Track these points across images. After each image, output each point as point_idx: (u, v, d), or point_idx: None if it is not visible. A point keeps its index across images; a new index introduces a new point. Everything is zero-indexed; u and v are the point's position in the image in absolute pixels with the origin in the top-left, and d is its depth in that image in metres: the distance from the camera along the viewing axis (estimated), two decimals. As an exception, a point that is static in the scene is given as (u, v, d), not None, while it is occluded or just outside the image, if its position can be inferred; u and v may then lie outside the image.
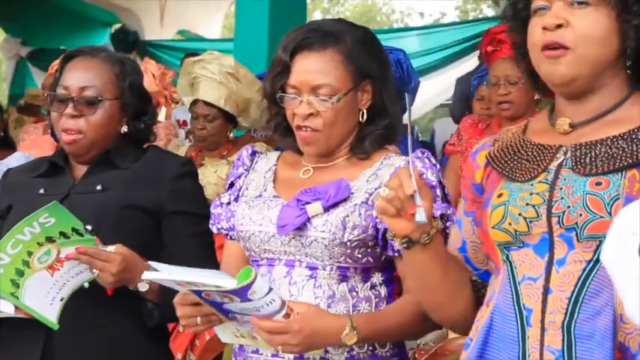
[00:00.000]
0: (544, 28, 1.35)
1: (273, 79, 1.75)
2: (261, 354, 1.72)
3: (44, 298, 1.83)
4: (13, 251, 1.78)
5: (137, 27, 9.01)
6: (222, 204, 1.85)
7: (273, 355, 1.70)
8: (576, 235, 1.29)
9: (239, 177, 1.86)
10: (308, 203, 1.68)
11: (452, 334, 2.26)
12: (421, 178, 1.35)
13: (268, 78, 1.77)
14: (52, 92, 2.02)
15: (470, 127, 3.69)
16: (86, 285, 1.86)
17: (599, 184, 1.30)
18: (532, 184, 1.35)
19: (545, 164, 1.36)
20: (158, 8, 9.05)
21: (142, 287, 1.86)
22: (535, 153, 1.39)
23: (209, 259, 1.95)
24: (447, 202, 1.67)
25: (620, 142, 1.33)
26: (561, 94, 1.41)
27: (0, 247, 1.78)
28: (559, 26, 1.33)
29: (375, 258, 1.70)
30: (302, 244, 1.68)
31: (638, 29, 1.34)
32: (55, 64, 2.24)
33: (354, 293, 1.69)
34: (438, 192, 1.68)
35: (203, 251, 1.98)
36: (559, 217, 1.30)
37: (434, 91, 7.19)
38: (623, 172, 1.30)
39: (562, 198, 1.31)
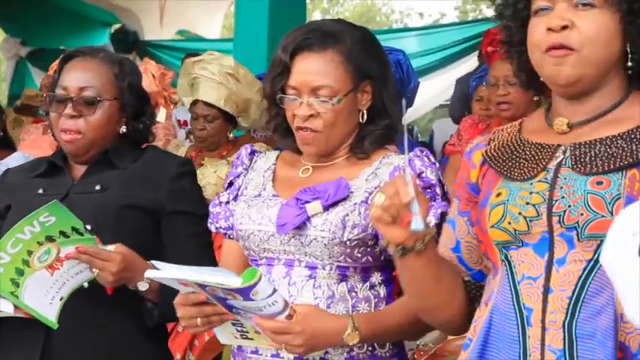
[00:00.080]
0: (549, 29, 1.34)
1: (273, 79, 1.75)
2: (261, 354, 1.72)
3: (44, 298, 1.83)
4: (13, 250, 1.78)
5: (137, 27, 9.00)
6: (220, 203, 1.85)
7: (272, 356, 1.70)
8: (577, 234, 1.29)
9: (238, 176, 1.86)
10: (307, 202, 1.68)
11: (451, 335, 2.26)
12: (418, 186, 1.33)
13: (268, 79, 1.77)
14: (51, 93, 2.02)
15: (470, 127, 3.69)
16: (85, 285, 1.86)
17: (600, 183, 1.30)
18: (531, 183, 1.35)
19: (544, 163, 1.36)
20: (158, 8, 9.05)
21: (142, 287, 1.86)
22: (533, 152, 1.39)
23: (208, 259, 1.95)
24: (446, 201, 1.67)
25: (619, 141, 1.33)
26: (562, 94, 1.41)
27: (0, 246, 1.78)
28: (564, 28, 1.33)
29: (375, 257, 1.70)
30: (301, 243, 1.68)
31: None
32: (55, 64, 2.24)
33: (354, 293, 1.69)
34: (438, 190, 1.68)
35: (202, 251, 1.98)
36: (560, 216, 1.30)
37: (433, 91, 7.18)
38: (624, 172, 1.30)
39: (563, 197, 1.31)
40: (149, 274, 1.55)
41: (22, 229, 1.77)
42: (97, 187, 1.96)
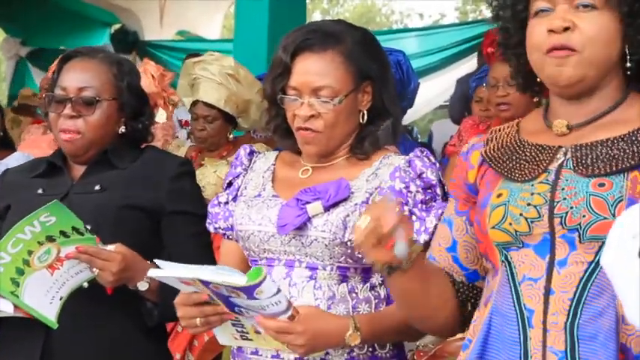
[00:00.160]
0: (550, 31, 1.34)
1: (274, 80, 1.75)
2: (261, 355, 1.72)
3: (44, 297, 1.84)
4: (13, 250, 1.78)
5: (137, 27, 9.00)
6: (220, 203, 1.85)
7: (272, 357, 1.70)
8: (579, 236, 1.29)
9: (237, 176, 1.86)
10: (308, 203, 1.68)
11: (459, 334, 2.25)
12: (401, 210, 1.33)
13: (268, 79, 1.77)
14: (50, 93, 2.02)
15: (471, 127, 3.69)
16: (85, 285, 1.86)
17: (602, 185, 1.30)
18: (532, 185, 1.35)
19: (545, 165, 1.36)
20: (158, 8, 9.05)
21: (142, 286, 1.86)
22: (534, 153, 1.39)
23: (208, 259, 1.96)
24: (447, 201, 1.67)
25: (620, 143, 1.33)
26: (562, 95, 1.40)
27: (0, 246, 1.79)
28: (566, 29, 1.33)
29: (375, 258, 1.70)
30: (302, 243, 1.68)
31: None
32: (54, 65, 2.24)
33: (354, 294, 1.69)
34: (438, 190, 1.68)
35: (202, 251, 1.98)
36: (561, 217, 1.30)
37: (433, 92, 7.18)
38: (625, 174, 1.30)
39: (564, 199, 1.31)
40: (152, 273, 1.54)
41: (23, 229, 1.77)
42: (97, 187, 1.97)
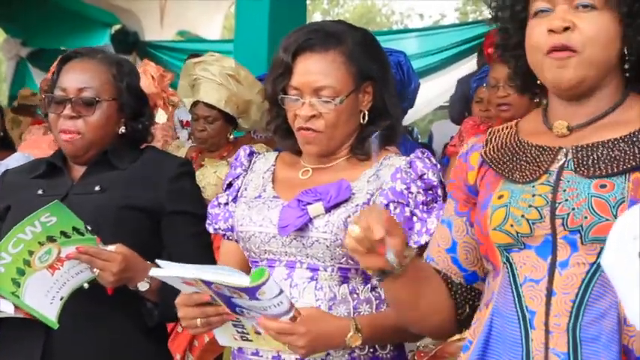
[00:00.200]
0: (550, 31, 1.34)
1: (275, 80, 1.75)
2: (261, 356, 1.72)
3: (44, 298, 1.84)
4: (14, 250, 1.78)
5: (137, 28, 9.01)
6: (219, 204, 1.85)
7: (273, 358, 1.70)
8: (581, 237, 1.29)
9: (237, 177, 1.86)
10: (309, 204, 1.68)
11: (457, 336, 2.25)
12: (391, 218, 1.33)
13: (269, 79, 1.77)
14: (50, 94, 2.02)
15: (472, 128, 3.69)
16: (86, 286, 1.86)
17: (603, 186, 1.29)
18: (534, 186, 1.35)
19: (546, 166, 1.36)
20: (158, 9, 9.05)
21: (142, 287, 1.86)
22: (534, 154, 1.39)
23: (208, 259, 1.96)
24: None
25: (621, 144, 1.33)
26: (563, 96, 1.40)
27: (1, 246, 1.79)
28: (566, 29, 1.33)
29: (376, 259, 1.69)
30: (303, 244, 1.68)
31: None
32: (54, 66, 2.25)
33: (355, 295, 1.69)
34: (439, 192, 1.68)
35: (202, 251, 1.98)
36: (563, 219, 1.30)
37: (433, 92, 7.18)
38: (627, 175, 1.30)
39: (566, 200, 1.31)
40: (153, 272, 1.54)
41: (24, 230, 1.77)
42: (97, 188, 1.96)
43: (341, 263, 1.68)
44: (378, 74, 1.76)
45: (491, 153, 1.44)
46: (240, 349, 1.76)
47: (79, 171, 2.03)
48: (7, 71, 9.97)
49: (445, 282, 1.49)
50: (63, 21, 8.87)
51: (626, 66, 1.37)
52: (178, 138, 4.73)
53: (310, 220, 1.67)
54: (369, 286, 1.70)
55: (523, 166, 1.38)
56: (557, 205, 1.31)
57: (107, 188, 1.97)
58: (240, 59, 4.09)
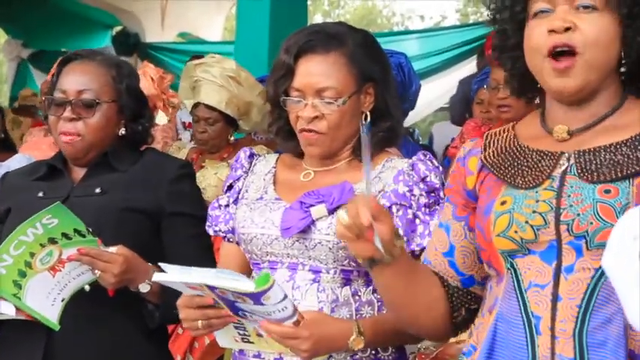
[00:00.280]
0: (551, 31, 1.33)
1: (276, 82, 1.75)
2: (263, 358, 1.72)
3: (45, 299, 1.84)
4: (15, 252, 1.78)
5: (138, 29, 9.01)
6: (220, 206, 1.85)
7: (275, 359, 1.70)
8: (586, 242, 1.28)
9: (238, 179, 1.86)
10: (312, 206, 1.68)
11: (453, 339, 2.26)
12: (379, 205, 1.34)
13: (271, 81, 1.77)
14: (50, 96, 2.03)
15: (473, 130, 3.69)
16: (87, 288, 1.86)
17: (608, 191, 1.29)
18: (537, 192, 1.34)
19: (548, 171, 1.35)
20: (159, 10, 9.06)
21: (143, 288, 1.86)
22: (536, 159, 1.38)
23: (208, 261, 1.95)
24: None
25: (623, 148, 1.32)
26: (563, 101, 1.40)
27: (3, 248, 1.79)
28: (567, 29, 1.33)
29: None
30: (306, 246, 1.68)
31: None
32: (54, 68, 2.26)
33: (357, 297, 1.69)
34: (442, 194, 1.68)
35: (202, 253, 1.98)
36: (568, 224, 1.29)
37: (434, 94, 7.18)
38: (630, 180, 1.29)
39: (571, 205, 1.30)
40: (157, 277, 1.54)
41: (25, 232, 1.77)
42: (97, 190, 1.97)
43: (343, 265, 1.68)
44: (380, 75, 1.76)
45: (492, 158, 1.43)
46: (241, 351, 1.76)
47: (79, 173, 2.03)
48: (8, 72, 9.98)
49: (442, 284, 1.49)
50: (64, 22, 8.87)
51: (623, 69, 1.37)
52: (180, 139, 4.73)
53: (313, 222, 1.67)
54: (370, 288, 1.70)
55: (525, 172, 1.37)
56: (561, 210, 1.30)
57: (108, 190, 1.97)
58: (241, 61, 4.09)
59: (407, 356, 1.80)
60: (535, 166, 1.37)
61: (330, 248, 1.66)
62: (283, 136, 1.82)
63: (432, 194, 1.68)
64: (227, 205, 1.84)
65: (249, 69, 3.79)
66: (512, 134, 1.45)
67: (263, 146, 3.61)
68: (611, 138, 1.35)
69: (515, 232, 1.33)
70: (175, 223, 1.98)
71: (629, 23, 1.34)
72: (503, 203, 1.36)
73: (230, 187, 1.87)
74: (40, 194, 2.00)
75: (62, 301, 1.85)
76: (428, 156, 1.73)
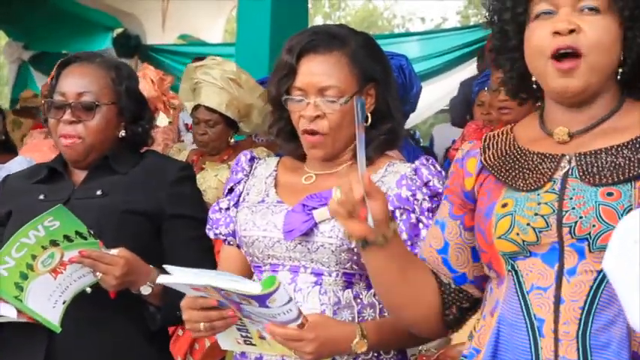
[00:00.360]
0: (556, 33, 1.33)
1: (278, 81, 1.75)
2: (265, 360, 1.71)
3: (47, 302, 1.84)
4: (17, 255, 1.79)
5: (139, 31, 9.01)
6: (220, 209, 1.85)
7: (277, 361, 1.70)
8: (588, 245, 1.28)
9: (238, 182, 1.86)
10: (314, 208, 1.68)
11: (454, 341, 2.25)
12: (372, 182, 1.34)
13: (273, 81, 1.77)
14: (49, 99, 2.03)
15: (474, 132, 3.69)
16: (88, 290, 1.86)
17: (610, 194, 1.29)
18: (538, 194, 1.34)
19: (550, 174, 1.35)
20: (160, 13, 9.06)
21: (145, 290, 1.86)
22: (537, 162, 1.38)
23: (209, 263, 1.96)
24: None
25: (624, 151, 1.33)
26: (564, 103, 1.40)
27: (5, 250, 1.79)
28: (571, 31, 1.33)
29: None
30: (308, 249, 1.68)
31: None
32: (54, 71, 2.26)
33: (359, 300, 1.69)
34: None
35: (203, 255, 1.98)
36: (570, 227, 1.29)
37: (435, 96, 7.18)
38: (632, 182, 1.29)
39: (573, 208, 1.30)
40: (162, 279, 1.53)
41: (27, 234, 1.77)
42: (98, 193, 1.97)
43: (346, 268, 1.68)
44: (381, 77, 1.76)
45: (492, 160, 1.43)
46: (242, 354, 1.76)
47: (79, 175, 2.04)
48: (9, 74, 9.98)
49: (435, 279, 1.49)
50: (65, 24, 8.87)
51: (621, 70, 1.37)
52: (183, 141, 4.73)
53: (316, 224, 1.67)
54: (372, 291, 1.70)
55: (526, 174, 1.37)
56: (563, 213, 1.30)
57: (108, 192, 1.97)
58: (241, 63, 4.09)
59: (408, 358, 1.80)
60: (536, 168, 1.37)
61: (332, 251, 1.66)
62: (284, 137, 1.82)
63: (435, 199, 1.68)
64: (227, 209, 1.84)
65: (249, 71, 3.79)
66: (512, 136, 1.45)
67: (264, 148, 3.61)
68: (611, 140, 1.35)
69: (517, 234, 1.33)
70: (176, 226, 1.98)
71: (631, 25, 1.34)
72: (504, 205, 1.36)
73: (231, 190, 1.86)
74: (41, 197, 2.00)
75: (63, 303, 1.85)
76: (430, 160, 1.73)
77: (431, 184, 1.69)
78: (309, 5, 6.40)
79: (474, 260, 1.48)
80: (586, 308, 1.28)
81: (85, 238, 1.81)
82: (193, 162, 3.76)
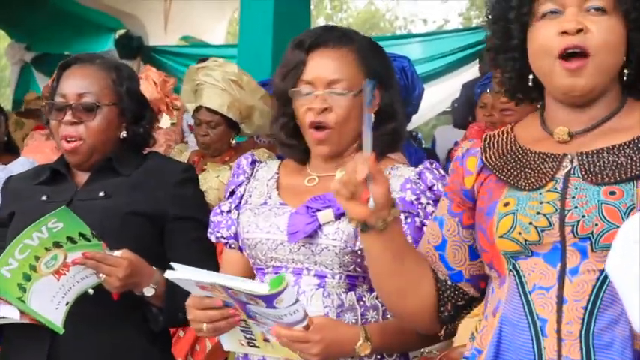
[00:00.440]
0: (563, 32, 1.33)
1: (285, 75, 1.75)
2: (268, 363, 1.71)
3: (50, 303, 1.84)
4: (21, 256, 1.79)
5: (141, 33, 9.02)
6: (222, 212, 1.85)
7: (280, 364, 1.70)
8: (591, 244, 1.28)
9: (240, 185, 1.85)
10: (318, 210, 1.67)
11: (456, 342, 2.25)
12: (376, 165, 1.34)
13: (279, 75, 1.78)
14: (51, 101, 2.03)
15: (476, 133, 3.69)
16: (91, 291, 1.86)
17: (612, 193, 1.29)
18: (540, 193, 1.34)
19: (552, 173, 1.35)
20: (162, 14, 9.06)
21: (148, 292, 1.86)
22: (538, 161, 1.38)
23: (212, 265, 1.95)
24: None
25: (626, 150, 1.33)
26: (567, 102, 1.40)
27: (8, 252, 1.79)
28: (579, 31, 1.33)
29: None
30: (312, 251, 1.68)
31: None
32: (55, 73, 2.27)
33: (362, 302, 1.69)
34: None
35: (205, 257, 1.98)
36: (573, 226, 1.29)
37: (437, 97, 7.18)
38: (635, 182, 1.29)
39: (575, 207, 1.30)
40: (169, 274, 1.53)
41: (31, 235, 1.77)
42: (101, 194, 1.97)
43: (349, 271, 1.68)
44: (385, 77, 1.77)
45: (493, 160, 1.43)
46: (245, 356, 1.76)
47: (82, 177, 2.04)
48: (12, 76, 9.99)
49: (433, 274, 1.50)
50: (67, 26, 8.89)
51: (627, 71, 1.37)
52: (187, 142, 4.73)
53: (320, 226, 1.67)
54: (375, 293, 1.69)
55: (528, 174, 1.37)
56: (566, 212, 1.31)
57: (111, 194, 1.97)
58: (244, 64, 4.09)
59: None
60: (538, 168, 1.37)
61: (336, 253, 1.66)
62: (287, 132, 1.81)
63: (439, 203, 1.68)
64: (229, 211, 1.84)
65: (252, 73, 3.80)
66: (512, 136, 1.46)
67: (265, 150, 3.62)
68: (612, 140, 1.35)
69: (519, 233, 1.33)
70: (178, 227, 1.98)
71: (635, 27, 1.34)
72: (506, 205, 1.36)
73: (232, 193, 1.86)
74: (44, 198, 2.00)
75: (66, 304, 1.85)
76: (434, 165, 1.74)
77: (435, 188, 1.69)
78: (312, 7, 6.40)
79: (470, 258, 1.48)
80: (589, 308, 1.28)
81: (89, 240, 1.81)
82: (194, 163, 3.76)
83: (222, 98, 3.61)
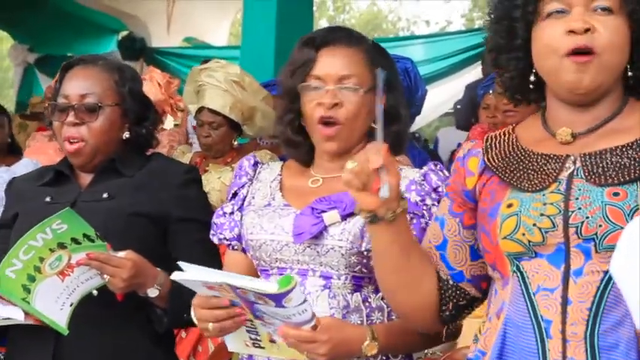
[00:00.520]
0: (571, 31, 1.33)
1: (294, 72, 1.76)
2: (272, 364, 1.71)
3: (54, 304, 1.84)
4: (25, 257, 1.79)
5: (144, 34, 9.02)
6: (225, 214, 1.85)
7: (284, 365, 1.69)
8: (595, 245, 1.28)
9: (242, 186, 1.85)
10: (324, 211, 1.67)
11: (459, 344, 2.25)
12: (389, 155, 1.34)
13: (287, 72, 1.78)
14: (53, 102, 2.03)
15: (479, 135, 3.67)
16: (95, 292, 1.86)
17: (616, 194, 1.29)
18: (544, 195, 1.34)
19: (555, 174, 1.35)
20: (165, 15, 9.07)
21: (152, 293, 1.86)
22: (541, 163, 1.38)
23: (215, 266, 1.95)
24: None
25: (629, 151, 1.33)
26: (570, 102, 1.40)
27: (12, 253, 1.79)
28: (586, 30, 1.33)
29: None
30: (317, 252, 1.68)
31: None
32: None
33: (367, 303, 1.69)
34: None
35: (209, 257, 1.98)
36: (577, 227, 1.29)
37: (440, 99, 7.18)
38: (638, 183, 1.29)
39: (579, 208, 1.30)
40: (176, 276, 1.53)
41: (35, 237, 1.78)
42: (105, 195, 1.97)
43: (355, 272, 1.68)
44: (391, 78, 1.77)
45: (495, 161, 1.43)
46: (249, 357, 1.75)
47: (86, 178, 2.04)
48: (15, 77, 10.00)
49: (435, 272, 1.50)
50: (70, 27, 8.89)
51: (630, 73, 1.37)
52: (191, 144, 4.73)
53: (325, 227, 1.67)
54: (380, 294, 1.69)
55: (531, 175, 1.37)
56: (570, 213, 1.30)
57: (115, 195, 1.97)
58: (246, 65, 4.10)
59: (414, 360, 1.80)
60: (541, 169, 1.37)
61: (342, 254, 1.66)
62: (292, 129, 1.80)
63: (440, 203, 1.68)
64: (232, 213, 1.84)
65: (254, 74, 3.80)
66: (514, 137, 1.46)
67: (267, 151, 3.62)
68: (615, 141, 1.35)
69: (523, 234, 1.33)
70: (182, 228, 1.98)
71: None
72: (509, 206, 1.36)
73: (234, 194, 1.86)
74: (48, 199, 2.00)
75: (71, 305, 1.86)
76: (439, 166, 1.74)
77: (440, 189, 1.69)
78: (314, 8, 6.40)
79: (472, 259, 1.48)
80: (593, 309, 1.28)
81: (93, 241, 1.82)
82: (197, 164, 3.76)
83: (224, 99, 3.61)
